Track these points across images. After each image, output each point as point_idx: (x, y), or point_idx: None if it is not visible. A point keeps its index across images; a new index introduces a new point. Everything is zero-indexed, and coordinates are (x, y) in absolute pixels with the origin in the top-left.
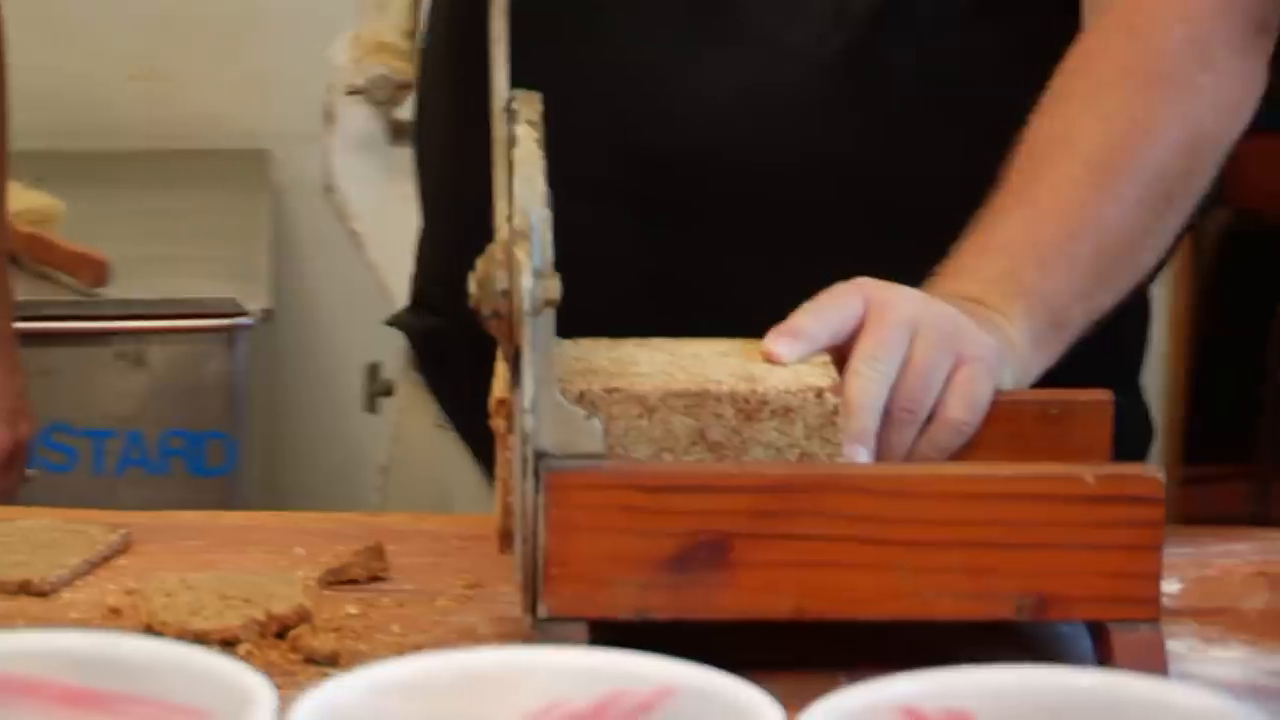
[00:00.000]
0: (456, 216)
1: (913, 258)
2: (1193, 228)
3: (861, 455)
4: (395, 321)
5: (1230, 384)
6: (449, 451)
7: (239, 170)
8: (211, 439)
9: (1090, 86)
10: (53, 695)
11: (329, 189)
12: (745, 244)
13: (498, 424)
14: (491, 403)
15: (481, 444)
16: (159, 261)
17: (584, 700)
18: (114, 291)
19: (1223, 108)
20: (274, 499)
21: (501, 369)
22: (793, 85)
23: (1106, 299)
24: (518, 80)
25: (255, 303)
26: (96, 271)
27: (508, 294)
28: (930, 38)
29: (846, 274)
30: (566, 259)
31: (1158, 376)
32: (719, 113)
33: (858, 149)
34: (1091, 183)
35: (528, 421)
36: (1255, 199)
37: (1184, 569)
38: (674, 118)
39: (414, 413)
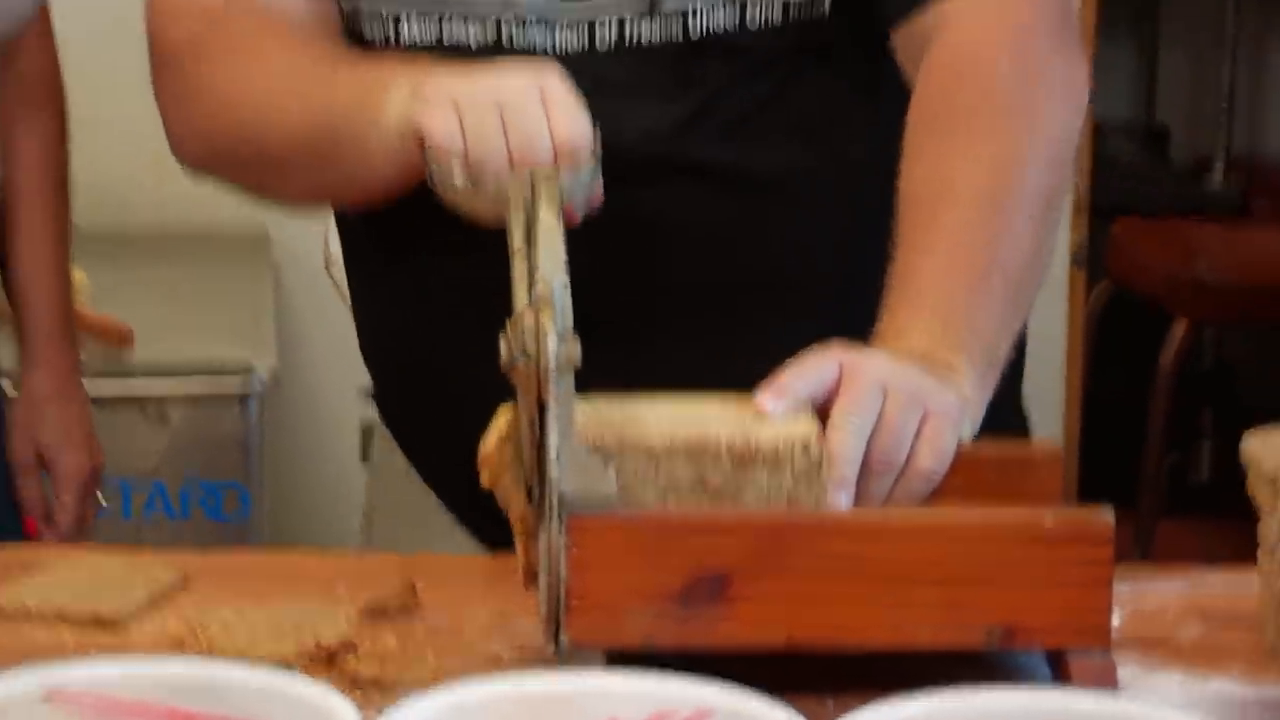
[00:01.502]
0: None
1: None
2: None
3: (843, 501)
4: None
5: (1115, 435)
6: (424, 499)
7: (242, 248)
8: (227, 488)
9: (949, 141)
10: (157, 717)
11: (328, 264)
12: (653, 355)
13: (485, 475)
14: (480, 457)
15: (448, 494)
16: (175, 329)
17: (634, 718)
18: (138, 356)
19: (1066, 109)
20: (282, 542)
21: (496, 427)
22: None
23: (1021, 320)
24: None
25: (265, 365)
26: (122, 338)
27: (533, 334)
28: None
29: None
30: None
31: (1053, 428)
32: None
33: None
34: (982, 222)
35: (554, 469)
36: (1131, 273)
37: (1123, 602)
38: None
39: (390, 466)
